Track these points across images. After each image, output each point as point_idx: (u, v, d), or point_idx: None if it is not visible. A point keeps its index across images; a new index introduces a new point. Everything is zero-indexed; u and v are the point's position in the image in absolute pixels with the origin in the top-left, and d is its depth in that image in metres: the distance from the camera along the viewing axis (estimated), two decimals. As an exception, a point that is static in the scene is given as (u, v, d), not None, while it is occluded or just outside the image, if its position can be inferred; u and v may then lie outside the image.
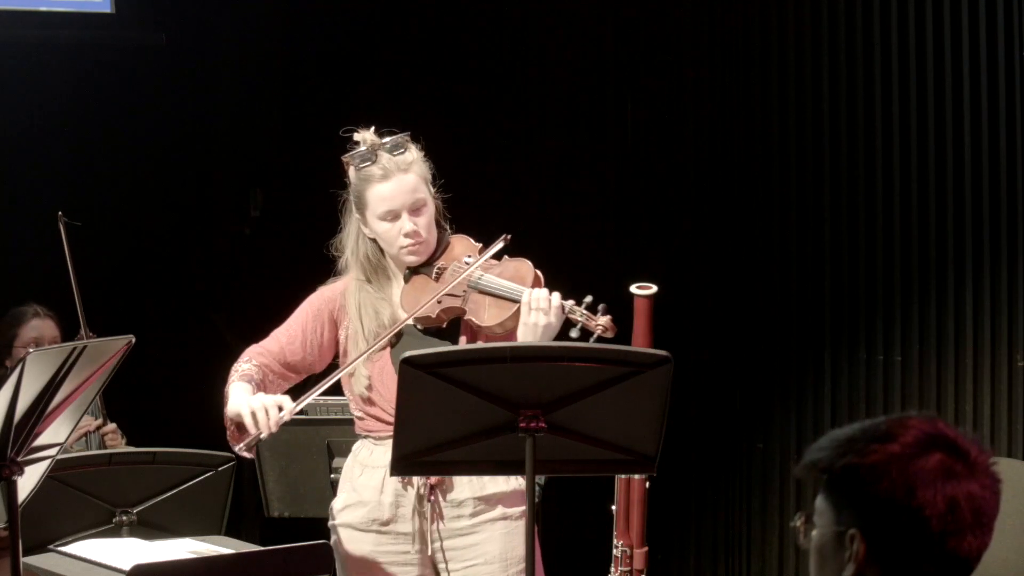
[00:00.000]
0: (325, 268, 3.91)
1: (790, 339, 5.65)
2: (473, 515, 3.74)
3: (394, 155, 3.78)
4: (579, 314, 3.65)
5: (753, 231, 5.77)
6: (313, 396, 3.73)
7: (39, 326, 5.27)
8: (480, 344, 3.63)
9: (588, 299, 3.67)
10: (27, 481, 3.14)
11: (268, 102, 6.71)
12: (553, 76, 6.33)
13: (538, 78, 6.37)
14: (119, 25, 6.34)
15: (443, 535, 3.74)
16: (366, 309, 3.79)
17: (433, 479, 3.71)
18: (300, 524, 4.27)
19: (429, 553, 3.76)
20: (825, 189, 5.52)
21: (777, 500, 5.72)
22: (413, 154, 3.81)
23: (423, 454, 3.28)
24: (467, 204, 3.98)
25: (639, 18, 6.08)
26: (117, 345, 3.20)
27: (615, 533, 3.80)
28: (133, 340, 3.20)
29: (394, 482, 3.72)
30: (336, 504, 3.84)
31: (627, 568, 3.79)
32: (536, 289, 3.67)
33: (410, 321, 3.77)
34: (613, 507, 3.80)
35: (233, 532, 3.93)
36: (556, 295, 3.66)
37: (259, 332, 3.88)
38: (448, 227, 3.88)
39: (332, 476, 4.13)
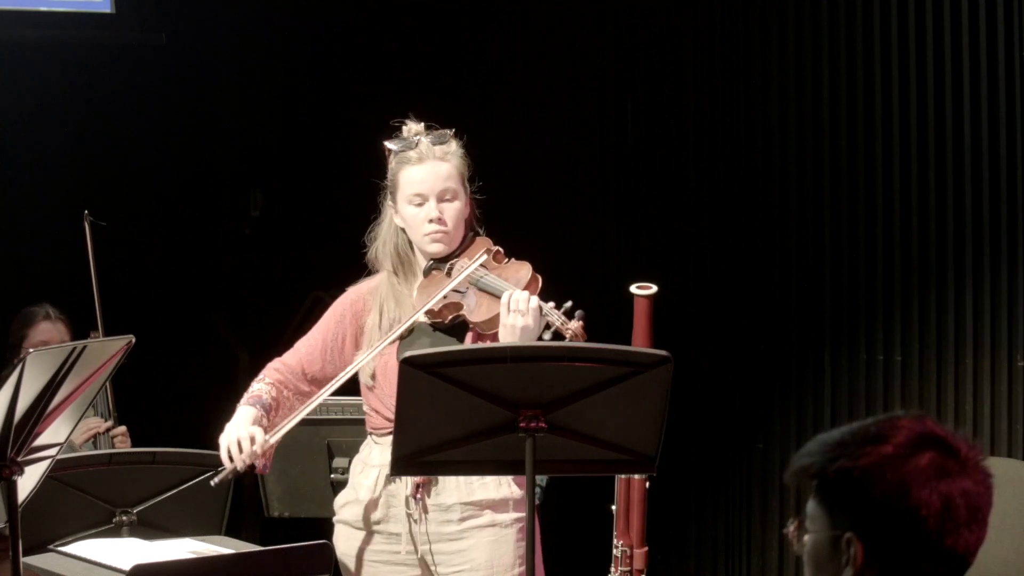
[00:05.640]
0: (324, 268, 3.91)
1: (790, 339, 5.65)
2: (461, 520, 3.73)
3: (434, 144, 3.81)
4: (555, 316, 3.64)
5: (753, 231, 5.76)
6: (315, 402, 3.73)
7: (48, 329, 5.20)
8: (480, 344, 3.63)
9: (567, 304, 3.66)
10: (27, 481, 3.15)
11: (268, 102, 6.70)
12: (553, 76, 6.33)
13: (538, 78, 6.36)
14: (119, 25, 6.33)
15: (431, 538, 3.72)
16: (387, 303, 3.80)
17: (419, 479, 3.70)
18: (300, 524, 4.26)
19: (419, 555, 3.75)
20: (825, 189, 5.52)
21: (777, 500, 5.72)
22: (453, 147, 3.84)
23: (423, 454, 3.28)
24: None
25: (639, 19, 6.08)
26: (117, 345, 3.20)
27: (615, 533, 3.80)
28: (133, 340, 3.20)
29: (386, 481, 3.72)
30: (338, 501, 3.85)
31: (627, 568, 3.79)
32: (517, 291, 3.67)
33: (423, 317, 3.76)
34: (613, 507, 3.80)
35: (233, 532, 3.93)
36: (534, 298, 3.65)
37: (259, 332, 3.88)
38: (479, 229, 3.89)
39: (332, 476, 4.13)
